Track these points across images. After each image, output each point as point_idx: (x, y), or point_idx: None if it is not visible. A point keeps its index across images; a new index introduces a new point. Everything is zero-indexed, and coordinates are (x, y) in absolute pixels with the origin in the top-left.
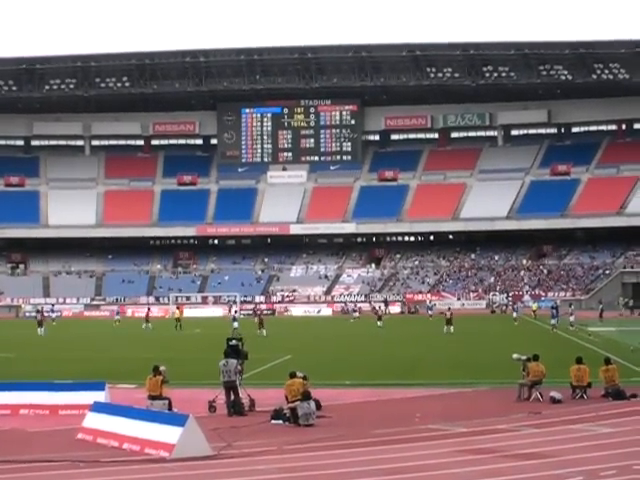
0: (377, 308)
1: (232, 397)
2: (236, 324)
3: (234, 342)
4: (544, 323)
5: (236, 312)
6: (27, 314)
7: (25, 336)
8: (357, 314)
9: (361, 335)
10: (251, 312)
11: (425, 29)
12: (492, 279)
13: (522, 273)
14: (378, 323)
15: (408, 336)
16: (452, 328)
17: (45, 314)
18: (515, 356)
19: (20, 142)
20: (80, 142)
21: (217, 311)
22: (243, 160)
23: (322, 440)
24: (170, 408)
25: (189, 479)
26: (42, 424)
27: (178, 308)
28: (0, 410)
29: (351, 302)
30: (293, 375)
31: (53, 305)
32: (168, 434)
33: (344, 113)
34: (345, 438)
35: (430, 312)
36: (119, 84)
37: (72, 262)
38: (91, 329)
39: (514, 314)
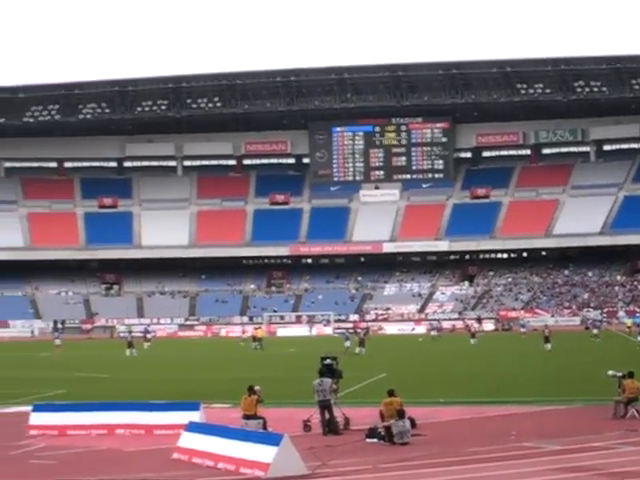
0: (470, 325)
1: (327, 416)
2: (348, 343)
3: (329, 361)
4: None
5: (348, 331)
6: (122, 334)
7: (119, 357)
8: (436, 332)
9: (455, 352)
10: (351, 331)
11: (515, 45)
12: (586, 295)
13: (616, 289)
14: (471, 341)
15: (502, 353)
16: (549, 346)
17: (141, 334)
18: (610, 373)
19: (113, 163)
20: (172, 163)
21: (311, 330)
22: (335, 179)
23: (417, 458)
24: (265, 427)
25: None
26: (138, 444)
27: (257, 328)
28: (96, 430)
29: (435, 320)
30: (391, 393)
31: (148, 325)
32: (263, 453)
33: (435, 131)
34: (440, 456)
35: (523, 329)
36: (210, 104)
37: (165, 282)
38: (185, 349)
39: (594, 330)
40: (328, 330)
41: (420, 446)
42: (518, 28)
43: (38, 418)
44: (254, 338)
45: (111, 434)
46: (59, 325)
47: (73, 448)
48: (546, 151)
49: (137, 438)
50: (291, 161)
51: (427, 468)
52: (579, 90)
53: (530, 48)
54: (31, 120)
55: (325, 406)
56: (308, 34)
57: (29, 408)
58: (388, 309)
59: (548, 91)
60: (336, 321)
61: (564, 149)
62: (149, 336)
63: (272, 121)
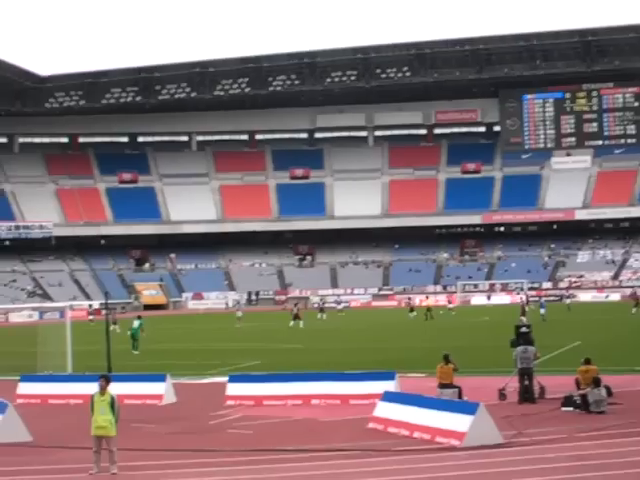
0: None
1: (526, 383)
2: (543, 310)
3: (524, 329)
4: None
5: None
6: (315, 305)
7: (312, 327)
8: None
9: None
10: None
11: None
12: None
13: None
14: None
15: None
16: None
17: (334, 305)
18: None
19: (304, 135)
20: (363, 133)
21: (505, 299)
22: (526, 147)
23: (613, 428)
24: (460, 396)
25: (480, 467)
26: (333, 414)
27: (427, 297)
28: (292, 400)
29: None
30: (587, 361)
31: (339, 296)
32: (459, 422)
33: (627, 96)
34: (637, 426)
35: None
36: (400, 74)
37: (359, 252)
38: (379, 319)
39: None
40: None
41: (616, 415)
42: None
43: (235, 389)
44: (428, 309)
45: (306, 404)
46: (238, 298)
47: (269, 418)
48: None
49: (332, 408)
50: (482, 129)
51: (624, 437)
52: None
53: None
54: (221, 94)
55: (526, 373)
56: (495, 0)
57: (225, 379)
58: (581, 276)
59: None
60: (529, 289)
61: None
62: (340, 307)
63: (462, 89)
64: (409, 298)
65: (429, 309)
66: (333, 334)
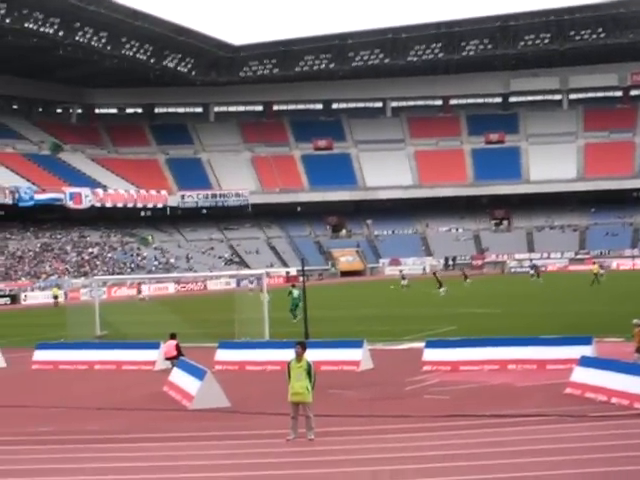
0: None
1: None
2: None
3: None
4: None
5: None
6: (512, 270)
7: (511, 292)
8: None
9: None
10: None
11: None
12: None
13: None
14: None
15: None
16: None
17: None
18: None
19: (498, 99)
20: (558, 96)
21: None
22: None
23: None
24: None
25: None
26: (530, 379)
27: (594, 263)
28: (488, 365)
29: None
30: None
31: (531, 260)
32: None
33: None
34: None
35: None
36: (594, 35)
37: (555, 217)
38: (575, 283)
39: None
40: None
41: None
42: None
43: (431, 354)
44: (595, 274)
45: (503, 369)
46: (402, 267)
47: (466, 384)
48: None
49: (529, 373)
50: None
51: None
52: None
53: None
54: (414, 59)
55: None
56: None
57: (422, 344)
58: None
59: None
60: None
61: None
62: (535, 271)
63: None
64: (593, 262)
65: (596, 274)
66: (529, 299)
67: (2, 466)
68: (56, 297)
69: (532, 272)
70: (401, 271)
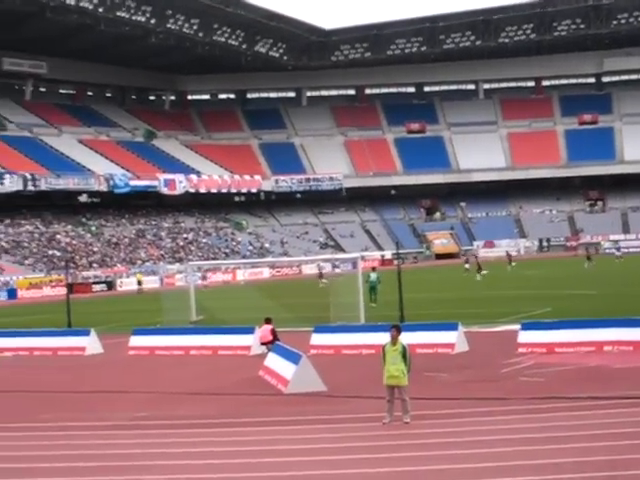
0: None
1: None
2: None
3: None
4: None
5: None
6: (607, 251)
7: (610, 273)
8: None
9: None
10: None
11: None
12: None
13: None
14: None
15: None
16: None
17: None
18: None
19: (591, 79)
20: None
21: None
22: None
23: None
24: None
25: None
26: (626, 360)
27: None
28: (584, 347)
29: None
30: None
31: (617, 242)
32: None
33: None
34: None
35: None
36: None
37: None
38: None
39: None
40: None
41: None
42: None
43: (527, 336)
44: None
45: (599, 351)
46: (470, 252)
47: (561, 366)
48: None
49: (625, 355)
50: None
51: None
52: None
53: None
54: (506, 41)
55: None
56: None
57: (517, 326)
58: None
59: None
60: None
61: None
62: (618, 253)
63: None
64: None
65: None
66: (621, 279)
67: (100, 450)
68: (140, 283)
69: (618, 254)
70: (465, 253)
